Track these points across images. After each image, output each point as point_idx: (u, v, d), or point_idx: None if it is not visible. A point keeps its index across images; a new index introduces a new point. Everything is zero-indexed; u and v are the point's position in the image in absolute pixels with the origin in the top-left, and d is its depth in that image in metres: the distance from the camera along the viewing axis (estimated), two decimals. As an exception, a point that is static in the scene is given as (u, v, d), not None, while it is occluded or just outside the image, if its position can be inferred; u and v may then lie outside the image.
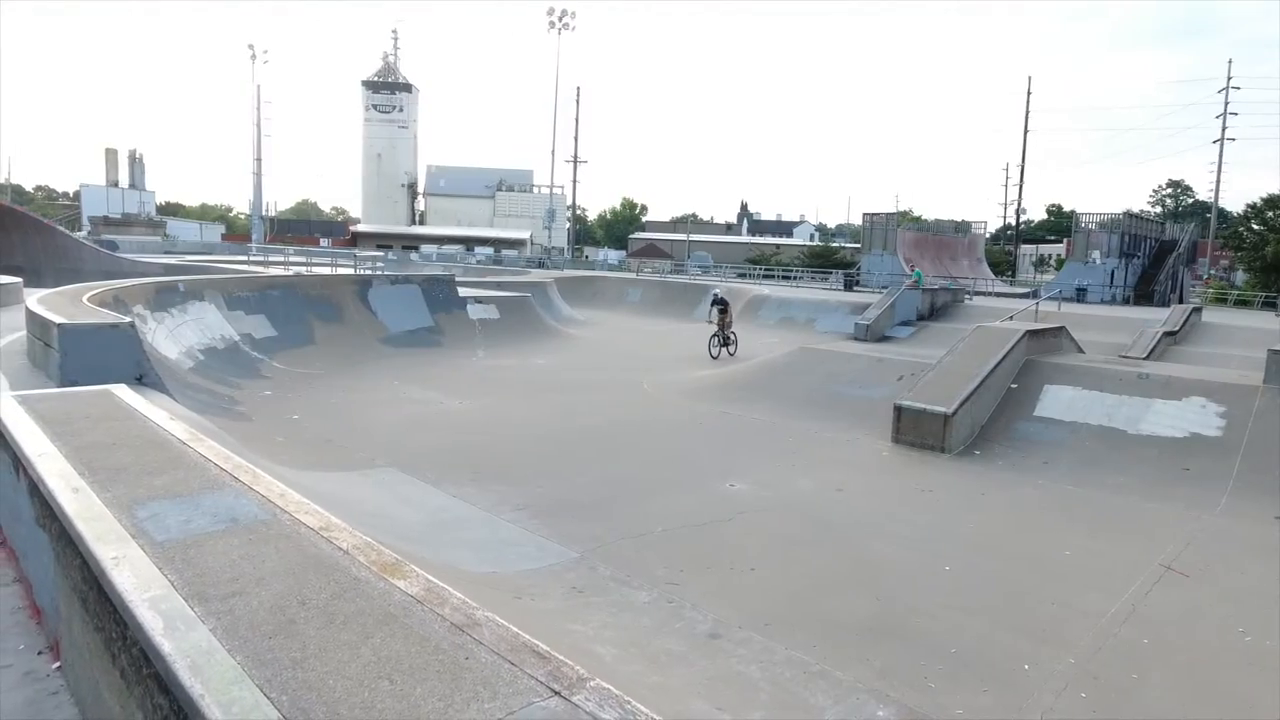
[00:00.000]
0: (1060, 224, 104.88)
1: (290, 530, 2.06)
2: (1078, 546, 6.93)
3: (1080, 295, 37.12)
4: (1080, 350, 14.11)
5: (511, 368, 16.58)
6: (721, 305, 19.27)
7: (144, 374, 6.83)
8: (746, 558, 6.31)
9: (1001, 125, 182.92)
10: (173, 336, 12.15)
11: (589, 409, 12.33)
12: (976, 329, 12.56)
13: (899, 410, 10.51)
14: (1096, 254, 40.01)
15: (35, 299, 8.27)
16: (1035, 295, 35.04)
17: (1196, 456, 9.17)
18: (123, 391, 3.67)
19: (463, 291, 20.49)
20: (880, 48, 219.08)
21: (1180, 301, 41.88)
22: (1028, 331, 11.94)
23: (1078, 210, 44.81)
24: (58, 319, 6.57)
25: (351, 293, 17.84)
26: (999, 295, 39.20)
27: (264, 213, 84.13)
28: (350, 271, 21.21)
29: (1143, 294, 39.67)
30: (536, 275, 36.76)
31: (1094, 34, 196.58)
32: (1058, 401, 10.65)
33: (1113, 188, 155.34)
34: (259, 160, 69.37)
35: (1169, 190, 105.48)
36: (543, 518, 7.02)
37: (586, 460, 9.32)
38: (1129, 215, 41.39)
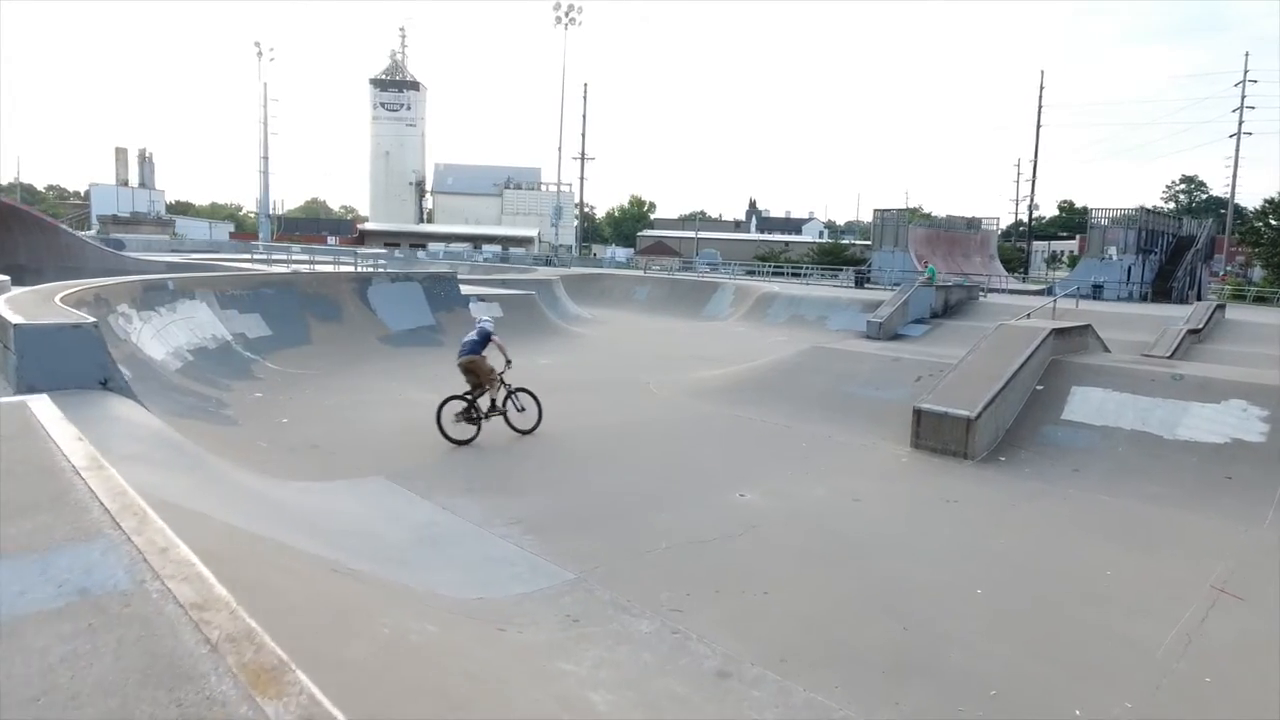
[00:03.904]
0: (1072, 220, 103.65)
1: (152, 609, 1.56)
2: (1119, 565, 6.37)
3: (1096, 292, 36.40)
4: (1106, 349, 13.51)
5: (515, 368, 16.07)
6: (476, 347, 9.96)
7: (109, 378, 6.35)
8: (758, 579, 5.78)
9: (1011, 121, 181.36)
10: (160, 336, 11.71)
11: (592, 411, 11.81)
12: (999, 327, 11.98)
13: (918, 414, 9.94)
14: (1113, 250, 39.23)
15: (3, 298, 7.82)
16: (1050, 292, 34.38)
17: (1239, 464, 8.57)
18: (40, 405, 3.19)
19: (466, 289, 20.02)
20: (890, 43, 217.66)
21: (1199, 298, 41.09)
22: (1053, 330, 11.34)
23: (1092, 206, 44.01)
24: (15, 319, 6.10)
25: (351, 291, 17.39)
26: (1013, 292, 38.47)
27: (271, 211, 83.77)
28: (349, 269, 20.76)
29: (1160, 291, 38.87)
30: (543, 273, 36.30)
31: (1103, 29, 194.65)
32: (1087, 404, 10.06)
33: (1125, 184, 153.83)
34: (265, 158, 69.09)
35: (1182, 186, 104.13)
36: (538, 533, 6.51)
37: (587, 467, 8.81)
38: (1145, 211, 40.56)
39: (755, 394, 12.76)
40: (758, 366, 14.70)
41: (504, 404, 10.10)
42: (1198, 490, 8.30)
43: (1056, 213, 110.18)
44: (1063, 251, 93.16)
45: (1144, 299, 37.82)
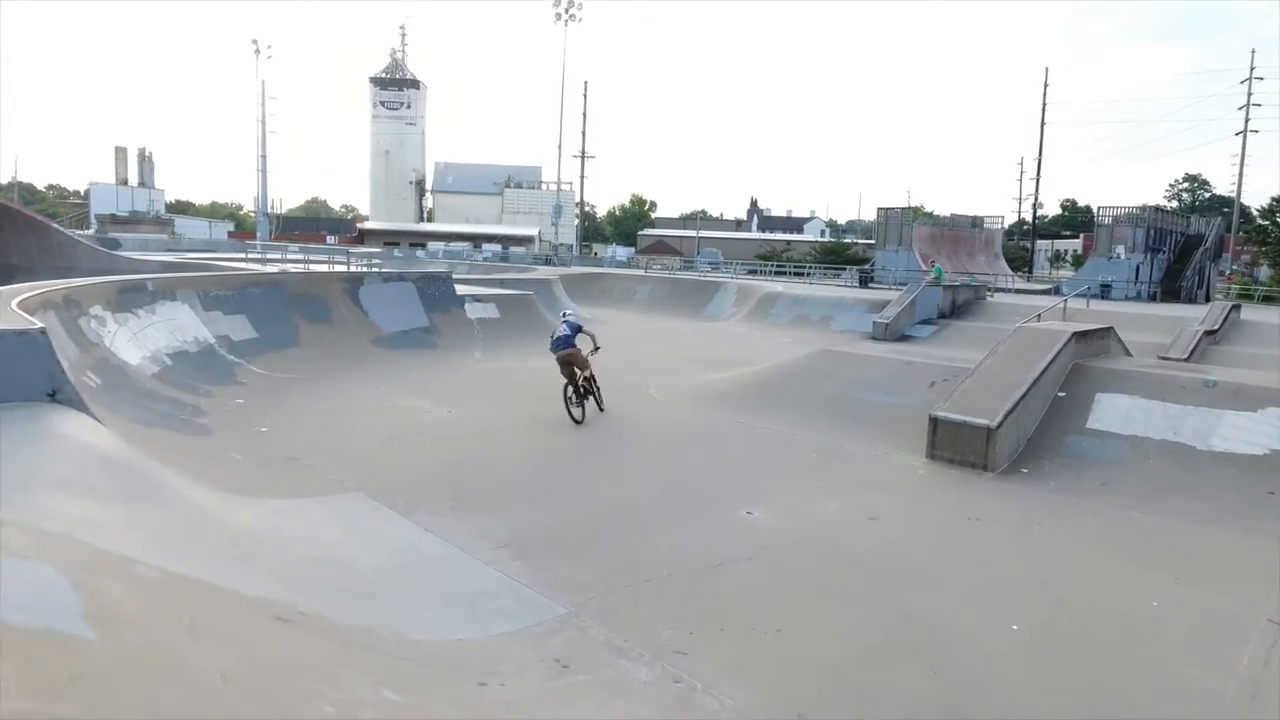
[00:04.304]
0: (1074, 219, 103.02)
1: None
2: (1164, 594, 5.81)
3: (1105, 292, 35.81)
4: (1129, 353, 12.95)
5: (510, 370, 15.54)
6: (571, 340, 10.75)
7: (58, 389, 5.80)
8: (769, 613, 5.22)
9: (1014, 119, 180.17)
10: (137, 340, 11.16)
11: (589, 416, 11.27)
12: (1018, 330, 11.42)
13: (935, 422, 9.38)
14: (1120, 249, 38.62)
15: (-45, 300, 7.26)
16: (1058, 292, 33.82)
17: (1281, 478, 8.01)
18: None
19: (461, 290, 19.46)
20: (890, 42, 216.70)
21: (1208, 298, 40.43)
22: (1075, 333, 10.78)
23: (1098, 204, 43.42)
24: (-47, 325, 5.56)
25: (341, 291, 16.83)
26: (1019, 292, 37.89)
27: (270, 210, 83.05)
28: (341, 268, 20.20)
29: (1168, 290, 38.27)
30: (543, 272, 35.79)
31: (1103, 29, 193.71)
32: (1113, 412, 9.50)
33: (1127, 182, 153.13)
34: (263, 157, 68.55)
35: (1185, 184, 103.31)
36: (527, 558, 5.96)
37: (583, 481, 8.25)
38: (1154, 209, 39.93)
39: (759, 399, 12.21)
40: (762, 370, 14.16)
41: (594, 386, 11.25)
42: (1238, 507, 7.73)
43: (1059, 211, 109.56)
44: (1066, 250, 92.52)
45: (1153, 299, 37.21)
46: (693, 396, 13.01)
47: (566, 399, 10.69)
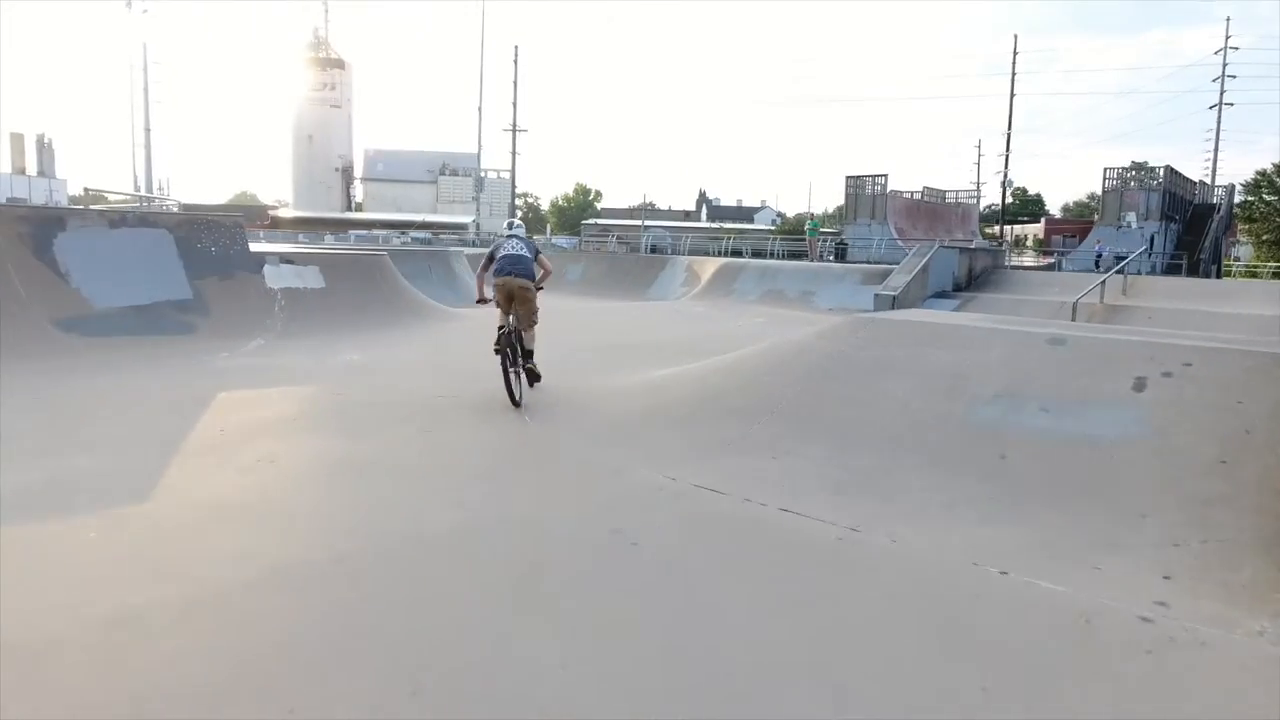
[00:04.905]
0: (1027, 207, 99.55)
1: None
2: None
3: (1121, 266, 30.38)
4: None
5: (287, 371, 8.80)
6: (522, 260, 7.06)
7: None
8: None
9: (970, 109, 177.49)
10: None
11: (344, 493, 4.67)
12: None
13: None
14: (1132, 216, 33.29)
15: None
16: (1058, 268, 28.58)
17: None
18: None
19: (265, 247, 12.59)
20: (836, 31, 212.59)
21: (1219, 272, 35.71)
22: None
23: (1104, 165, 38.08)
24: None
25: (16, 239, 9.80)
26: (1014, 267, 32.34)
27: (156, 191, 73.26)
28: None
29: (1192, 264, 33.05)
30: (456, 250, 29.05)
31: (1061, 15, 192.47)
32: None
33: (1084, 171, 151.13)
34: (148, 130, 59.62)
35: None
36: None
37: None
38: (1169, 169, 34.66)
39: (740, 422, 5.73)
40: (743, 361, 7.60)
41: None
42: None
43: (1010, 200, 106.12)
44: (1026, 235, 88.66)
45: (1173, 272, 31.94)
46: (608, 423, 6.48)
47: (505, 357, 6.89)
